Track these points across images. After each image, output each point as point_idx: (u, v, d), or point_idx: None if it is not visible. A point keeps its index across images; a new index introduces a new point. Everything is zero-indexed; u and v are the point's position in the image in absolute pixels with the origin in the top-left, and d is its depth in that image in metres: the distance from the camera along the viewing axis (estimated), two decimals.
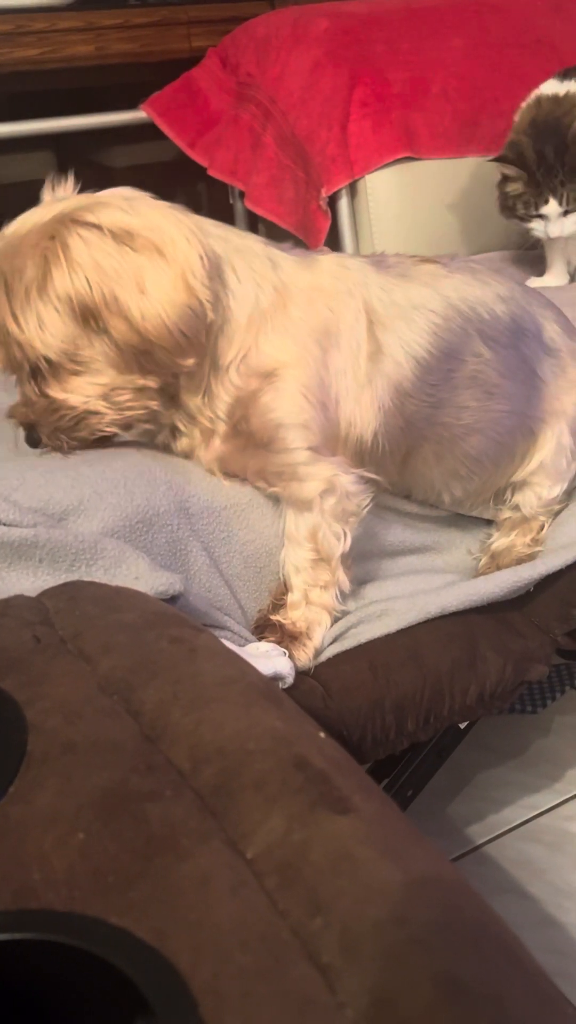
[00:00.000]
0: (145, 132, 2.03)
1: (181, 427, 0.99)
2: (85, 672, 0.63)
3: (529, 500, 1.16)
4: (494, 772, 1.43)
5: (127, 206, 0.90)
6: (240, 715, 0.57)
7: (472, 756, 1.43)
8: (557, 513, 1.19)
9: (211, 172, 1.94)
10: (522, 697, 1.50)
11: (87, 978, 0.44)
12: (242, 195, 1.90)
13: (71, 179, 0.96)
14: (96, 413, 0.92)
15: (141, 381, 0.92)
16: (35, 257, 0.87)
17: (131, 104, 2.05)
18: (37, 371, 0.91)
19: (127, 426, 0.96)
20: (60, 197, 0.95)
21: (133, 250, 0.87)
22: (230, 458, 0.98)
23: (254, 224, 2.02)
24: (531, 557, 1.14)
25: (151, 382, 0.92)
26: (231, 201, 2.03)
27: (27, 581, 0.84)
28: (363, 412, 0.99)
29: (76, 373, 0.91)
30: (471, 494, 1.15)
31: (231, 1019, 0.40)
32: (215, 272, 0.92)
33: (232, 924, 0.43)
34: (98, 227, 0.87)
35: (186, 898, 0.45)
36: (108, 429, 0.94)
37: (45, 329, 0.88)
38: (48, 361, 0.90)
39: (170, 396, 0.96)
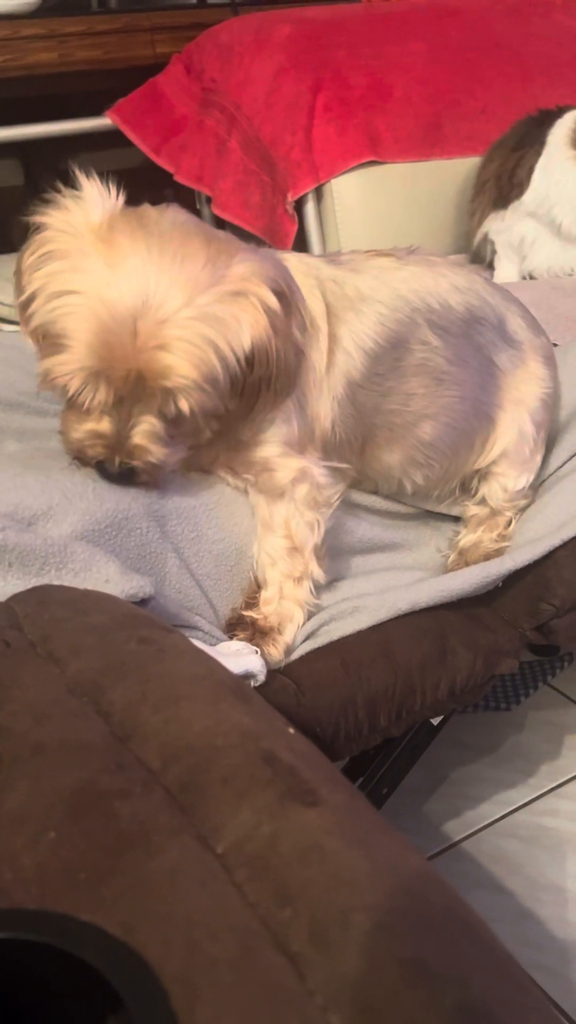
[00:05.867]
0: (111, 139, 2.04)
1: None
2: (54, 675, 0.63)
3: (495, 492, 1.18)
4: (469, 769, 1.44)
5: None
6: (208, 712, 0.57)
7: (447, 753, 1.44)
8: (523, 509, 1.20)
9: (177, 178, 1.94)
10: (496, 693, 1.51)
11: (58, 974, 0.44)
12: (209, 200, 1.91)
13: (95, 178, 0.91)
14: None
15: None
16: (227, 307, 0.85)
17: (96, 111, 2.05)
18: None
19: None
20: (82, 196, 0.88)
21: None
22: (198, 453, 1.00)
23: (221, 229, 2.02)
24: (499, 553, 1.15)
25: None
26: (198, 206, 2.04)
27: None
28: (324, 405, 1.00)
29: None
30: (434, 482, 1.16)
31: (202, 1009, 0.40)
32: None
33: (202, 916, 0.44)
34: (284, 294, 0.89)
35: (156, 892, 0.46)
36: None
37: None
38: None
39: None
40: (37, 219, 0.86)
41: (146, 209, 0.89)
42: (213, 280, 0.84)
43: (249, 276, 0.86)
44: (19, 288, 0.89)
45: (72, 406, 0.89)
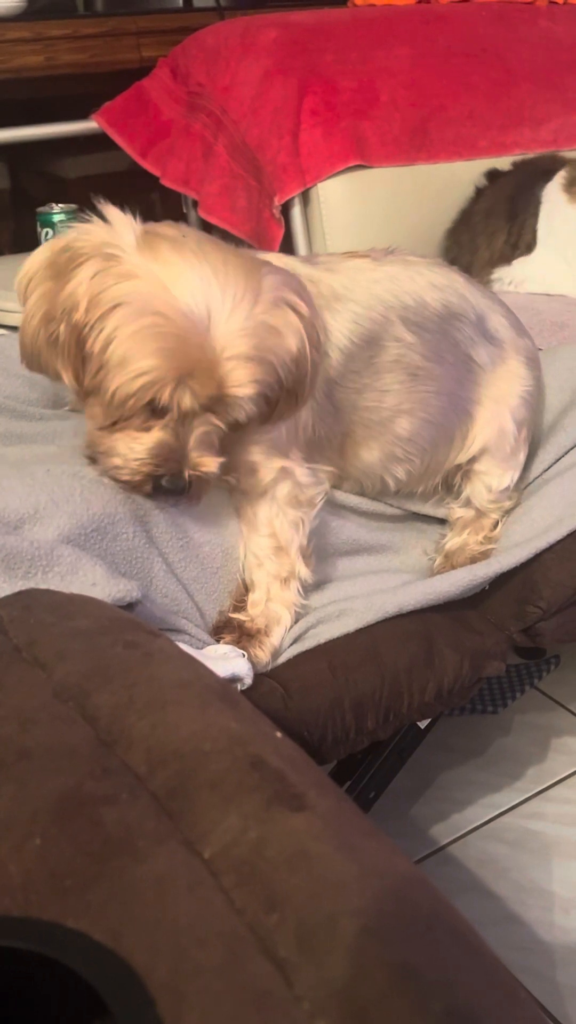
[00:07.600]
0: (97, 142, 2.03)
1: None
2: (40, 679, 0.63)
3: (479, 491, 1.19)
4: (456, 772, 1.44)
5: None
6: (196, 717, 0.57)
7: (434, 757, 1.44)
8: (509, 511, 1.21)
9: (164, 182, 1.94)
10: (482, 697, 1.51)
11: (44, 982, 0.44)
12: (195, 204, 1.91)
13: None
14: None
15: None
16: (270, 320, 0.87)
17: (82, 114, 2.04)
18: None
19: None
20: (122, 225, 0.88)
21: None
22: None
23: (207, 233, 2.03)
24: (485, 555, 1.15)
25: None
26: (184, 210, 2.04)
27: None
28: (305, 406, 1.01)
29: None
30: (416, 478, 1.17)
31: (189, 1016, 0.40)
32: None
33: (189, 922, 0.44)
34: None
35: (143, 899, 0.45)
36: None
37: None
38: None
39: None
40: (70, 242, 0.86)
41: (163, 227, 0.89)
42: (258, 291, 0.87)
43: (280, 285, 0.89)
44: (68, 304, 0.85)
45: (123, 428, 0.88)
